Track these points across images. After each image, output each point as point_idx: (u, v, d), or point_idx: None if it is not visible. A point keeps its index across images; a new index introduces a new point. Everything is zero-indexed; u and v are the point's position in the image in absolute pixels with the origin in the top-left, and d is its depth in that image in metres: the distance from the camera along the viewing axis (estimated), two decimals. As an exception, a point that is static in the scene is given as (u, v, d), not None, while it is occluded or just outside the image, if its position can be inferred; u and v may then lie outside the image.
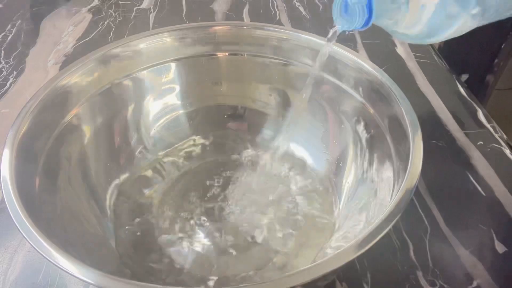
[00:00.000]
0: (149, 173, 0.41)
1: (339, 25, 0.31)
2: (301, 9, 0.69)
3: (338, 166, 0.40)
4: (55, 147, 0.34)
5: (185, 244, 0.36)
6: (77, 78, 0.37)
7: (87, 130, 0.38)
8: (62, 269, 0.24)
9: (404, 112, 0.32)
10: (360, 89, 0.38)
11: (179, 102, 0.45)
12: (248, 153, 0.44)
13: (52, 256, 0.24)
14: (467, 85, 0.53)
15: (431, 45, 0.60)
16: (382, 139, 0.35)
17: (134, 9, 0.70)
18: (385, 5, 0.30)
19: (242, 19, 0.66)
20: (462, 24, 0.30)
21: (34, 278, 0.34)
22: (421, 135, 0.31)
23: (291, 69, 0.43)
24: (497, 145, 0.45)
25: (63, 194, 0.34)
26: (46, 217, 0.30)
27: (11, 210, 0.26)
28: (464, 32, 0.31)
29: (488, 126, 0.47)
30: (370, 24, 0.30)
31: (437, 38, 0.32)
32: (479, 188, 0.40)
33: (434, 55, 0.58)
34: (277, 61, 0.43)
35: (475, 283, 0.34)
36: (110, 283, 0.23)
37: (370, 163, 0.36)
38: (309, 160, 0.42)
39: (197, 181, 0.41)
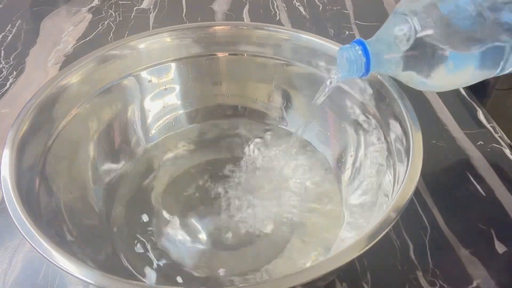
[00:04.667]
0: (149, 172, 0.41)
1: (340, 72, 0.33)
2: (301, 9, 0.69)
3: (338, 167, 0.40)
4: (55, 147, 0.34)
5: (185, 241, 0.36)
6: (77, 78, 0.37)
7: (87, 130, 0.38)
8: (62, 269, 0.24)
9: (404, 112, 0.32)
10: (360, 89, 0.38)
11: (179, 102, 0.45)
12: (249, 152, 0.43)
13: (52, 256, 0.24)
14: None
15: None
16: (382, 139, 0.35)
17: (134, 9, 0.70)
18: (384, 63, 0.31)
19: (242, 19, 0.66)
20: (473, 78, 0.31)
21: (34, 278, 0.34)
22: (421, 135, 0.31)
23: (291, 69, 0.43)
24: (497, 145, 0.45)
25: (63, 194, 0.34)
26: (46, 217, 0.30)
27: (11, 210, 0.26)
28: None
29: (488, 126, 0.47)
30: (367, 76, 0.32)
31: (446, 88, 0.34)
32: (479, 188, 0.40)
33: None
34: (277, 61, 0.43)
35: (475, 283, 0.34)
36: (110, 283, 0.23)
37: (371, 163, 0.36)
38: (309, 160, 0.42)
39: (197, 180, 0.41)
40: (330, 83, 0.34)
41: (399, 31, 0.30)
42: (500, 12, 0.29)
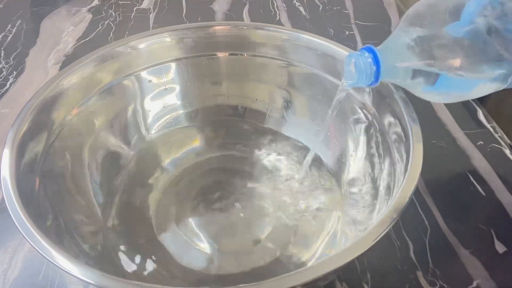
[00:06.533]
0: (149, 172, 0.41)
1: (347, 81, 0.32)
2: (301, 9, 0.69)
3: (338, 167, 0.40)
4: (55, 147, 0.34)
5: (186, 242, 0.36)
6: (77, 78, 0.37)
7: (87, 130, 0.38)
8: (62, 269, 0.24)
9: (404, 112, 0.32)
10: (360, 89, 0.38)
11: (179, 102, 0.45)
12: (248, 152, 0.43)
13: (52, 256, 0.24)
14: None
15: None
16: (382, 139, 0.35)
17: (134, 9, 0.70)
18: (394, 72, 0.30)
19: (242, 19, 0.66)
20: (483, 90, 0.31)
21: (34, 278, 0.34)
22: (421, 135, 0.31)
23: (291, 69, 0.43)
24: (497, 145, 0.45)
25: (63, 194, 0.34)
26: (46, 217, 0.30)
27: (11, 210, 0.26)
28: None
29: (488, 126, 0.47)
30: (376, 85, 0.31)
31: (453, 100, 0.33)
32: (479, 188, 0.40)
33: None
34: (277, 61, 0.43)
35: (475, 283, 0.34)
36: (110, 283, 0.23)
37: (371, 164, 0.36)
38: (309, 161, 0.42)
39: (197, 180, 0.41)
40: (340, 91, 0.33)
41: (410, 40, 0.29)
42: (508, 26, 0.28)
